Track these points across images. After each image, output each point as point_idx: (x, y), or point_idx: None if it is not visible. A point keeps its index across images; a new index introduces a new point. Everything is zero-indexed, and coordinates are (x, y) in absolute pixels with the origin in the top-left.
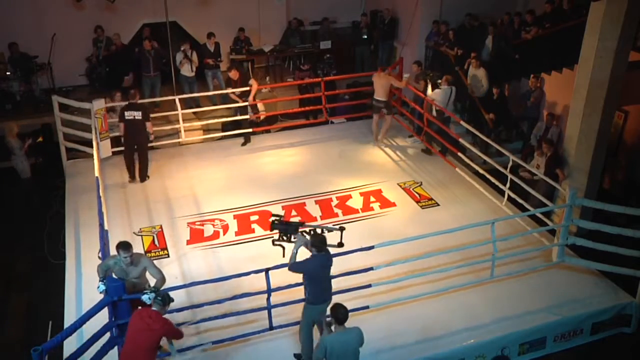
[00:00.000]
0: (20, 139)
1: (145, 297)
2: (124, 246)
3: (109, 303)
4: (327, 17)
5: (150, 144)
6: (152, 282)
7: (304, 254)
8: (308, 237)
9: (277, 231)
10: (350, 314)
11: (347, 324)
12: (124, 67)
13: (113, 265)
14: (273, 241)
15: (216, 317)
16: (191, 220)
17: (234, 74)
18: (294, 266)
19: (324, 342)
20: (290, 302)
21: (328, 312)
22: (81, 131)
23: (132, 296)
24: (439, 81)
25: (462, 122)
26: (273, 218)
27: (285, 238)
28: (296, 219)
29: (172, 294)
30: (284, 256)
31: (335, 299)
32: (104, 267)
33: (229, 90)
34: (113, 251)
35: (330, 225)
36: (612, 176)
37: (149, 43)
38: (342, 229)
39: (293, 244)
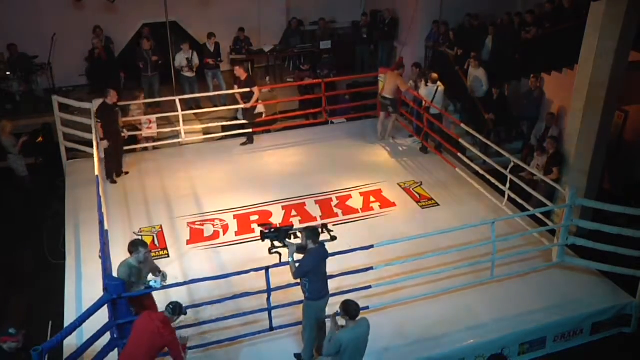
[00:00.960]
0: (15, 138)
1: (152, 282)
2: (143, 242)
3: (108, 301)
4: (323, 18)
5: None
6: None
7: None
8: (297, 240)
9: (269, 240)
10: None
11: None
12: (105, 74)
13: (134, 264)
14: (269, 250)
15: (217, 319)
16: (191, 220)
17: (241, 73)
18: (298, 271)
19: (339, 339)
20: (291, 303)
21: (328, 311)
22: (81, 131)
23: (131, 294)
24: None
25: (462, 125)
26: (261, 229)
27: (279, 244)
28: (296, 219)
29: (172, 293)
30: (280, 261)
31: (336, 299)
32: (126, 270)
33: (232, 91)
34: (113, 251)
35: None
36: (612, 176)
37: (148, 42)
38: (324, 226)
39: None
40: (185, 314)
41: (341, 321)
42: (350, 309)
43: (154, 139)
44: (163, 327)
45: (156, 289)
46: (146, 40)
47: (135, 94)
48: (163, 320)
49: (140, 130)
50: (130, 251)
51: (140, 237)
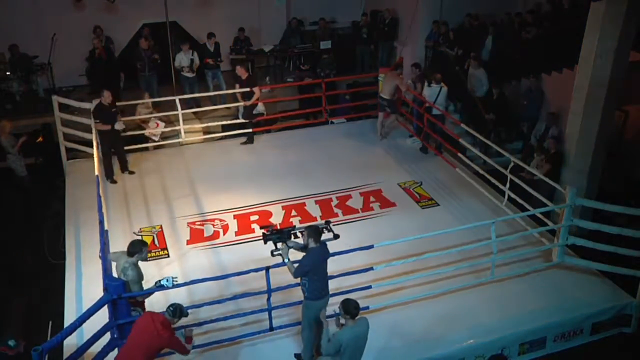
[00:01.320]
0: (14, 138)
1: (164, 281)
2: (143, 241)
3: (108, 301)
4: (323, 18)
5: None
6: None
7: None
8: (298, 239)
9: (271, 242)
10: None
11: None
12: (105, 74)
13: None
14: (272, 252)
15: (217, 319)
16: (191, 220)
17: (242, 72)
18: (298, 270)
19: (338, 339)
20: (291, 303)
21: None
22: (81, 131)
23: (132, 294)
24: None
25: (462, 125)
26: (263, 231)
27: (282, 245)
28: (296, 219)
29: (172, 293)
30: (283, 261)
31: (336, 299)
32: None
33: (232, 91)
34: (113, 251)
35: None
36: (612, 176)
37: (145, 42)
38: (328, 223)
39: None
40: (187, 315)
41: (332, 324)
42: (350, 308)
43: (155, 140)
44: (162, 329)
45: (168, 288)
46: (144, 39)
47: (141, 95)
48: (163, 322)
49: (144, 129)
50: (132, 252)
51: (140, 237)
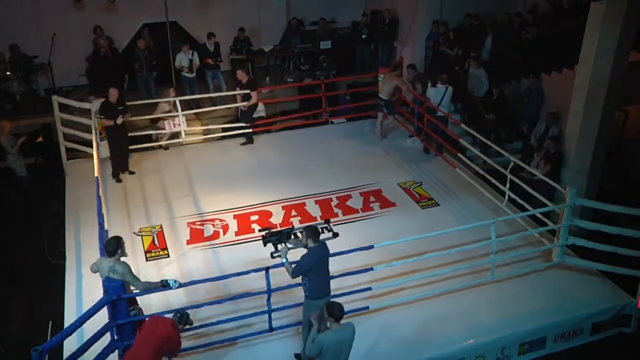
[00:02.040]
0: (14, 138)
1: (171, 281)
2: (119, 236)
3: (108, 302)
4: (324, 18)
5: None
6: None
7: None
8: (297, 238)
9: (270, 244)
10: (350, 314)
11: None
12: (109, 74)
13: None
14: (272, 254)
15: (217, 322)
16: (191, 220)
17: (242, 76)
18: (295, 270)
19: (320, 341)
20: (291, 305)
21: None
22: (81, 131)
23: (132, 295)
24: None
25: (462, 125)
26: (263, 233)
27: (282, 246)
28: (296, 219)
29: (172, 293)
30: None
31: (336, 299)
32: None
33: (232, 92)
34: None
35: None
36: (612, 176)
37: (143, 42)
38: (327, 222)
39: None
40: (191, 324)
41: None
42: (334, 311)
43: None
44: (174, 331)
45: (171, 289)
46: (142, 39)
47: (164, 91)
48: (173, 324)
49: (155, 129)
50: (112, 251)
51: (140, 237)
